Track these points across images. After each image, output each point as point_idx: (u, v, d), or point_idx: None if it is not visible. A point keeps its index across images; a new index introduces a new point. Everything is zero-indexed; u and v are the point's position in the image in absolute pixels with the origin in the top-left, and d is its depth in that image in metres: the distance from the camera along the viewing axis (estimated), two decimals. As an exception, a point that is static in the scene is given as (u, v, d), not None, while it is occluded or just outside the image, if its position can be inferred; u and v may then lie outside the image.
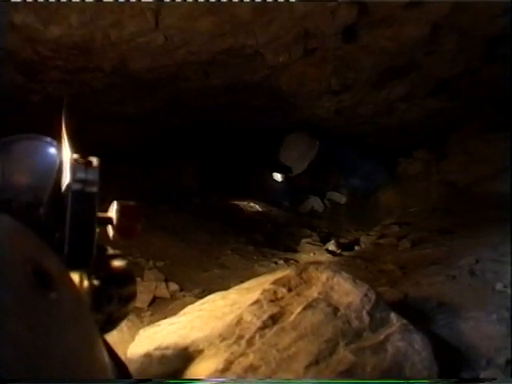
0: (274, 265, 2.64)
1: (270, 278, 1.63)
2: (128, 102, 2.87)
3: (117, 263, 0.85)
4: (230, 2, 2.05)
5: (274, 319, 1.36)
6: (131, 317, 1.75)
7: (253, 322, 1.35)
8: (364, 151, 4.02)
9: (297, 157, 3.96)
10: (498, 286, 1.82)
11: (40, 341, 0.41)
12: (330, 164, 4.17)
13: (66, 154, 0.74)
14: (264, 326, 1.33)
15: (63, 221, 0.68)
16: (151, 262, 2.42)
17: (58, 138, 0.79)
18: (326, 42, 2.66)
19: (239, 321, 1.37)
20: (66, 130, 0.81)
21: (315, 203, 4.22)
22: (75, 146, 0.79)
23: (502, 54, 3.06)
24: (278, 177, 4.14)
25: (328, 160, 4.11)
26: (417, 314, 1.64)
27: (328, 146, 4.02)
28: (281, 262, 2.70)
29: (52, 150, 0.75)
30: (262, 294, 1.48)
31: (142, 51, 2.31)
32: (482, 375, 1.28)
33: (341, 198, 4.23)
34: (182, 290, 2.25)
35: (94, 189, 0.69)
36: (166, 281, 2.26)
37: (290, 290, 1.50)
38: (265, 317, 1.36)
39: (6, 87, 2.37)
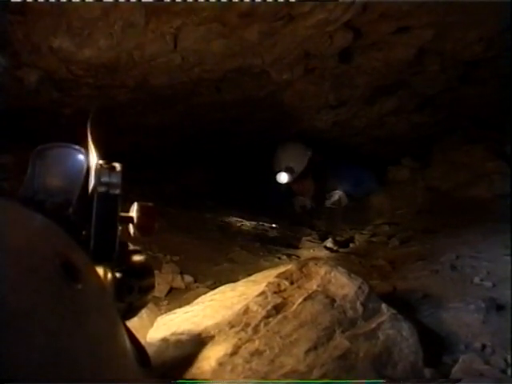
0: (277, 260, 2.62)
1: (274, 272, 1.62)
2: (149, 114, 2.87)
3: (137, 258, 0.85)
4: (239, 26, 2.06)
5: (277, 309, 1.34)
6: (150, 305, 1.74)
7: (258, 311, 1.34)
8: (358, 159, 4.00)
9: (294, 158, 3.82)
10: (476, 280, 1.81)
11: (67, 327, 0.41)
12: (325, 171, 4.02)
13: (93, 160, 0.74)
14: (268, 315, 1.32)
15: (89, 219, 0.68)
16: (168, 257, 2.41)
17: (86, 146, 0.78)
18: (325, 62, 2.66)
19: (246, 310, 1.36)
20: (93, 138, 0.80)
21: (306, 202, 4.09)
22: (102, 153, 0.78)
23: (477, 76, 3.08)
24: (283, 177, 3.83)
25: (323, 167, 3.98)
26: (404, 305, 1.62)
27: (326, 155, 3.95)
28: (284, 257, 2.69)
29: (80, 157, 0.75)
30: (266, 286, 1.46)
31: (161, 70, 2.31)
32: (461, 358, 1.27)
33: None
34: (195, 281, 2.23)
35: (117, 191, 0.69)
36: (182, 273, 2.25)
37: (291, 283, 1.48)
38: (269, 307, 1.35)
39: (44, 102, 2.38)
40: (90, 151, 0.77)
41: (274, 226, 3.50)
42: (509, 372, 1.23)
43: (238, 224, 3.40)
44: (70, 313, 0.42)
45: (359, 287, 1.45)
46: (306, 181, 3.98)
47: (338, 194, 3.97)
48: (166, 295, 2.08)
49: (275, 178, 3.90)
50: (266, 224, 3.48)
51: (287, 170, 3.81)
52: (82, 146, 0.78)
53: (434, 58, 2.80)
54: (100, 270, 0.67)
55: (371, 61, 2.75)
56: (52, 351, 0.37)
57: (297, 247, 3.06)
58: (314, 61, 2.64)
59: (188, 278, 2.23)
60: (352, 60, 2.71)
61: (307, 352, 1.16)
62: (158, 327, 1.49)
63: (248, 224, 3.44)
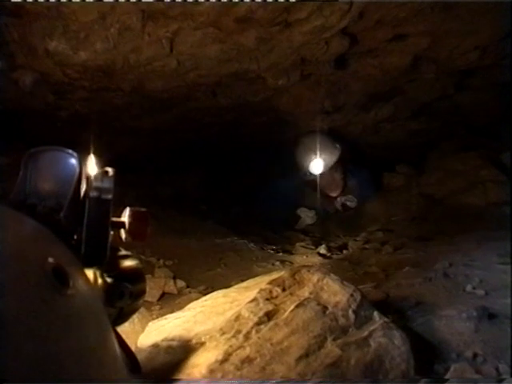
0: (270, 266, 2.62)
1: (267, 278, 1.61)
2: (145, 118, 2.87)
3: (128, 263, 0.84)
4: (235, 32, 2.07)
5: (269, 316, 1.34)
6: (142, 310, 1.74)
7: (250, 318, 1.34)
8: (353, 166, 4.00)
9: (325, 150, 3.70)
10: (468, 288, 1.81)
11: (55, 332, 0.41)
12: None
13: (85, 165, 0.74)
14: (260, 322, 1.31)
15: (81, 224, 0.68)
16: (161, 261, 2.41)
17: (80, 150, 0.78)
18: (320, 68, 2.67)
19: (238, 317, 1.36)
20: (88, 143, 0.81)
21: (338, 205, 3.97)
22: (97, 157, 0.79)
23: (473, 84, 3.10)
24: (317, 167, 3.68)
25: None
26: (397, 312, 1.63)
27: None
28: (277, 263, 2.69)
29: (73, 161, 0.75)
30: (258, 292, 1.46)
31: (157, 74, 2.31)
32: (453, 367, 1.27)
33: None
34: (188, 286, 2.23)
35: (109, 196, 0.69)
36: (174, 278, 2.25)
37: (284, 290, 1.48)
38: (261, 314, 1.35)
39: (39, 104, 2.38)
40: (84, 155, 0.77)
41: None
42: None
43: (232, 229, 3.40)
44: (58, 318, 0.42)
45: (351, 295, 1.45)
46: (336, 176, 3.90)
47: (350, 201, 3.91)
48: (159, 300, 2.08)
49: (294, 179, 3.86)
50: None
51: (318, 162, 3.71)
52: (79, 151, 0.77)
53: (430, 65, 2.82)
54: (91, 275, 0.67)
55: (367, 67, 2.76)
56: (39, 357, 0.37)
57: (290, 253, 3.06)
58: (309, 67, 2.65)
59: (180, 283, 2.23)
60: (348, 66, 2.73)
61: (298, 360, 1.16)
62: (149, 332, 1.49)
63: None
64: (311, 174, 3.78)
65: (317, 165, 3.71)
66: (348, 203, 3.92)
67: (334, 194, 3.97)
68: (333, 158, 3.73)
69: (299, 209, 3.98)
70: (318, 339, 1.24)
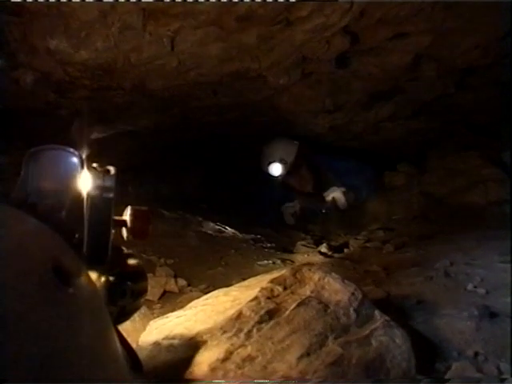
0: (272, 264, 2.63)
1: (268, 277, 1.62)
2: (145, 116, 2.87)
3: (130, 261, 0.84)
4: (237, 30, 2.06)
5: (270, 315, 1.34)
6: (143, 309, 1.74)
7: (251, 316, 1.34)
8: (354, 164, 3.99)
9: (283, 150, 3.66)
10: (469, 287, 1.82)
11: (58, 331, 0.40)
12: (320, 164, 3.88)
13: (87, 163, 0.73)
14: (261, 321, 1.31)
15: (83, 223, 0.67)
16: (162, 260, 2.41)
17: (81, 148, 0.78)
18: (322, 66, 2.66)
19: (239, 315, 1.36)
20: (89, 141, 0.80)
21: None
22: (98, 156, 0.78)
23: (474, 83, 3.10)
24: (276, 169, 3.62)
25: (316, 160, 3.86)
26: (398, 311, 1.63)
27: (323, 159, 3.89)
28: (278, 261, 2.69)
29: (74, 159, 0.74)
30: (260, 291, 1.47)
31: (158, 72, 2.31)
32: (454, 366, 1.27)
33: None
34: (189, 285, 2.23)
35: (111, 194, 0.69)
36: (176, 277, 2.25)
37: (285, 289, 1.48)
38: (262, 312, 1.35)
39: (40, 103, 2.38)
40: (85, 154, 0.77)
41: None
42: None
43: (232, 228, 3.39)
44: (60, 317, 0.42)
45: (352, 293, 1.45)
46: (302, 172, 3.83)
47: (332, 195, 3.74)
48: (160, 298, 2.08)
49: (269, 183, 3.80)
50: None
51: (279, 162, 3.64)
52: (76, 148, 0.77)
53: (431, 64, 2.81)
54: (93, 274, 0.67)
55: (368, 66, 2.76)
56: (42, 355, 0.37)
57: (291, 251, 3.06)
58: (311, 65, 2.64)
59: (182, 282, 2.23)
60: (349, 65, 2.72)
61: (300, 358, 1.16)
62: (150, 331, 1.49)
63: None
64: (272, 176, 3.70)
65: (275, 167, 3.65)
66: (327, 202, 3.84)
67: (305, 190, 3.89)
68: (291, 156, 3.65)
69: (282, 206, 3.93)
70: (319, 338, 1.24)
